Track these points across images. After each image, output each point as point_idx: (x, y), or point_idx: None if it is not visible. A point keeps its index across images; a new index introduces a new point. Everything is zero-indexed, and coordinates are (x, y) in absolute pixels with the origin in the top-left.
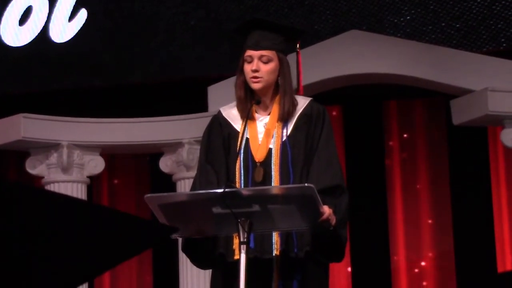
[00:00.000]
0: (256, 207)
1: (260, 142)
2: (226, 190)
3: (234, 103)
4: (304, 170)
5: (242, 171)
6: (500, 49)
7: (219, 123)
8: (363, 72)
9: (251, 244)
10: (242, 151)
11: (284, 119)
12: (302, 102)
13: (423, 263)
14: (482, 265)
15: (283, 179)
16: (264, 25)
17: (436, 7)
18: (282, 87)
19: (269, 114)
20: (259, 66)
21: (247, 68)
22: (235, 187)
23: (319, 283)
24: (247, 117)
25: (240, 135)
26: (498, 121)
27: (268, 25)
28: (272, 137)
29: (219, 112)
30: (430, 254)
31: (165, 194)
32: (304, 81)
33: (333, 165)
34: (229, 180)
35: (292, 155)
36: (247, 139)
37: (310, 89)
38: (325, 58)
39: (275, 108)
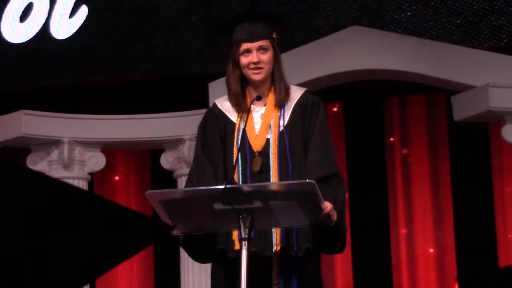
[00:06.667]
0: (257, 203)
1: (257, 133)
2: (228, 186)
3: None
4: (302, 159)
5: (240, 162)
6: (501, 45)
7: (215, 115)
8: (364, 68)
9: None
10: (239, 141)
11: (280, 106)
12: (298, 92)
13: (424, 259)
14: (483, 260)
15: (282, 169)
16: (253, 16)
17: (437, 3)
18: (277, 74)
19: (264, 105)
20: (259, 56)
21: (245, 60)
22: (236, 183)
23: (316, 278)
24: (249, 110)
25: (237, 126)
26: (499, 117)
27: (257, 16)
28: (270, 127)
29: (214, 104)
30: (431, 250)
31: (166, 190)
32: (306, 77)
33: (329, 154)
34: (227, 171)
35: (290, 145)
36: (244, 130)
37: (311, 85)
38: (326, 54)
39: (270, 97)
